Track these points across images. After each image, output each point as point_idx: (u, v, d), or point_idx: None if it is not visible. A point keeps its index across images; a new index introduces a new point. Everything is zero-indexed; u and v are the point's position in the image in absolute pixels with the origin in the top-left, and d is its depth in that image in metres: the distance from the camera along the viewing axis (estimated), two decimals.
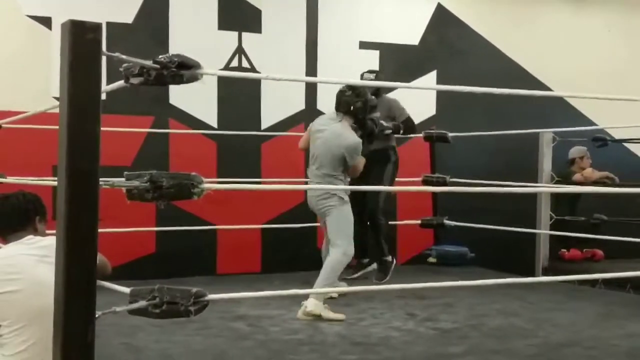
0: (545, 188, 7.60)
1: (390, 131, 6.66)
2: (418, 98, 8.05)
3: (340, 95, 5.82)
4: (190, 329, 4.82)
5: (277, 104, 7.65)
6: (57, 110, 2.39)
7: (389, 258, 6.86)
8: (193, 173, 2.61)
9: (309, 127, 6.06)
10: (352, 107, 5.78)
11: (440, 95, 8.32)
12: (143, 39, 7.08)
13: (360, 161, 5.84)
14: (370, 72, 6.94)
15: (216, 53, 7.36)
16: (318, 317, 5.25)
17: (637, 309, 5.97)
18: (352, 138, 5.73)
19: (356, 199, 6.86)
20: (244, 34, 7.58)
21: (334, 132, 5.74)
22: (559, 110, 8.58)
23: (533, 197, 7.59)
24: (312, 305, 5.25)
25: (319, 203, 5.70)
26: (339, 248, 5.55)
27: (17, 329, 3.06)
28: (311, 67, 7.80)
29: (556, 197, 7.75)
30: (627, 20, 9.24)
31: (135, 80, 2.48)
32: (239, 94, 7.52)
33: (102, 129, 2.35)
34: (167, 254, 7.12)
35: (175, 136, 7.23)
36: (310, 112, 7.70)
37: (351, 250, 5.62)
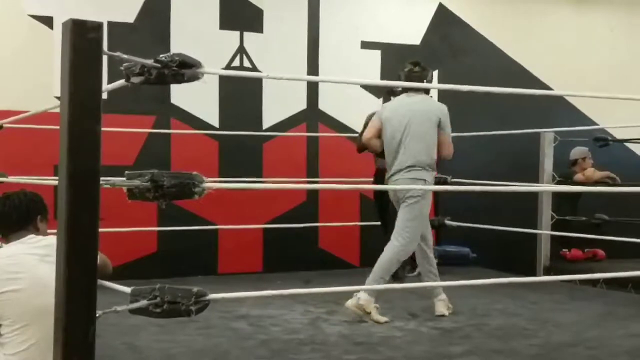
0: (546, 188, 7.60)
1: None
2: None
3: (410, 73, 5.54)
4: (192, 328, 4.82)
5: (278, 104, 7.64)
6: (58, 110, 2.39)
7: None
8: (194, 172, 2.61)
9: (378, 116, 5.62)
10: (424, 82, 5.58)
11: (441, 95, 8.28)
12: (144, 38, 7.08)
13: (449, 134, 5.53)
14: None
15: (218, 53, 7.36)
16: (367, 315, 5.17)
17: (638, 309, 5.96)
18: (441, 104, 5.56)
19: (382, 207, 6.76)
20: (246, 34, 7.57)
21: (422, 101, 5.48)
22: (561, 110, 8.58)
23: (534, 197, 7.59)
24: (365, 299, 5.15)
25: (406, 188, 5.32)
26: (402, 240, 5.30)
27: (18, 328, 3.06)
28: (313, 67, 7.79)
29: (557, 197, 7.74)
30: (629, 20, 9.23)
31: (136, 79, 2.47)
32: (241, 94, 7.52)
33: (104, 128, 2.35)
34: (169, 254, 7.12)
35: (177, 135, 7.24)
36: (312, 111, 7.72)
37: (413, 248, 5.40)
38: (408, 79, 5.53)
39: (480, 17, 8.57)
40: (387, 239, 5.44)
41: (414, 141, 5.38)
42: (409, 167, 5.37)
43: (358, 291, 5.21)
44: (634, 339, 4.87)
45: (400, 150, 5.41)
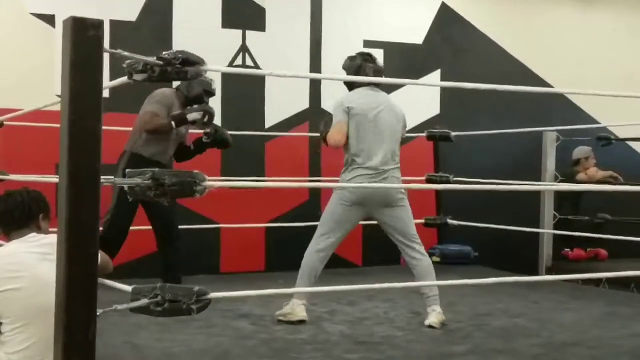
0: (548, 187, 7.59)
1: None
2: (422, 97, 8.05)
3: (377, 69, 5.19)
4: (193, 327, 4.81)
5: (281, 103, 7.63)
6: (58, 107, 2.39)
7: None
8: (195, 171, 2.61)
9: (343, 108, 5.03)
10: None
11: (444, 94, 8.31)
12: (146, 37, 7.08)
13: None
14: None
15: (220, 51, 7.34)
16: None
17: None
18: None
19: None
20: (248, 32, 7.57)
21: (389, 104, 5.19)
22: (563, 109, 8.57)
23: (536, 196, 7.58)
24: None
25: (394, 194, 5.06)
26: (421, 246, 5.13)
27: (18, 326, 3.06)
28: (315, 66, 7.79)
29: (559, 197, 7.73)
30: (632, 19, 9.22)
31: (138, 77, 2.47)
32: (243, 93, 7.51)
33: (105, 127, 2.34)
34: None
35: None
36: (315, 110, 7.70)
37: None
38: (378, 73, 5.20)
39: (482, 16, 8.56)
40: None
41: (392, 148, 5.28)
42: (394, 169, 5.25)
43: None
44: (636, 339, 4.86)
45: (382, 153, 5.20)
